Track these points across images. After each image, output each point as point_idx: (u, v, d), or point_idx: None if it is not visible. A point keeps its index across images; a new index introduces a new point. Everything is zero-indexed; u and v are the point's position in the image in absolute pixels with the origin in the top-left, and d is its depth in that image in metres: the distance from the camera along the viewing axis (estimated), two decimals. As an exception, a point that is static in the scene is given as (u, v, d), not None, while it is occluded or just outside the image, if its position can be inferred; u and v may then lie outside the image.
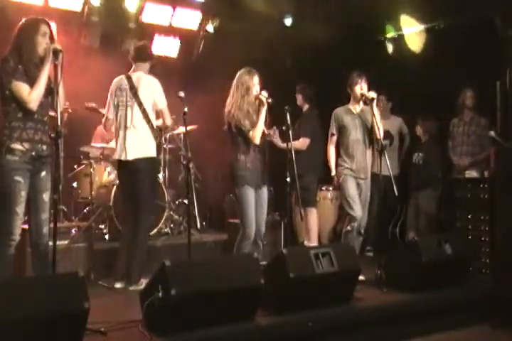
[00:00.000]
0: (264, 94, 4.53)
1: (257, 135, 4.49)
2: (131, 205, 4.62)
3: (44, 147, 3.70)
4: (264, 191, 4.63)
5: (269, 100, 4.48)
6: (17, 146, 3.59)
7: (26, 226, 3.81)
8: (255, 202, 4.51)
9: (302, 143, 5.88)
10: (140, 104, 4.57)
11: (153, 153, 4.64)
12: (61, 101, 3.72)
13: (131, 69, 4.72)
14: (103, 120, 4.74)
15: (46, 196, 3.71)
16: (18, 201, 3.58)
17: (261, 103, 4.51)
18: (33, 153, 3.64)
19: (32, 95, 3.59)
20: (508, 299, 4.32)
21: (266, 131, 4.68)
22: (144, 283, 4.38)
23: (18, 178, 3.57)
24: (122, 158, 4.56)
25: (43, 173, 3.71)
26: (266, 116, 4.55)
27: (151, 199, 4.73)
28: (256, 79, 4.57)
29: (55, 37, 3.78)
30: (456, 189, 5.45)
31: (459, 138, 5.88)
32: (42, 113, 3.70)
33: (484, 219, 5.10)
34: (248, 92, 4.52)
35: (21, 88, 3.58)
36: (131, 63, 4.74)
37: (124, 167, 4.63)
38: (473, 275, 4.77)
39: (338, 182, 5.01)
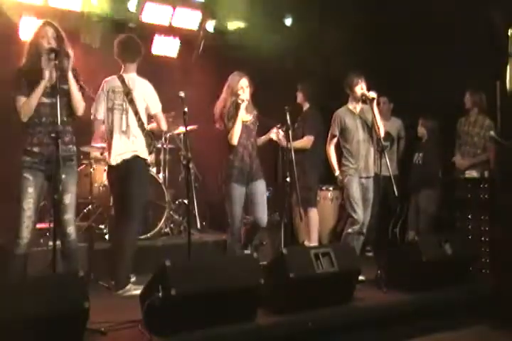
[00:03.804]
0: (243, 96, 4.62)
1: (233, 137, 4.63)
2: (121, 209, 4.57)
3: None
4: (258, 184, 4.73)
5: (243, 102, 4.59)
6: (28, 149, 3.74)
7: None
8: (249, 198, 4.71)
9: (307, 141, 5.87)
10: (136, 112, 4.51)
11: (145, 155, 4.59)
12: (76, 105, 3.83)
13: (121, 70, 4.62)
14: (91, 117, 4.59)
15: (67, 198, 3.78)
16: (24, 196, 3.69)
17: (237, 105, 4.63)
18: (45, 156, 3.71)
19: (22, 107, 3.72)
20: (508, 299, 4.33)
21: (271, 135, 4.84)
22: (132, 288, 4.37)
23: (27, 175, 3.72)
24: (114, 163, 4.50)
25: (63, 176, 3.72)
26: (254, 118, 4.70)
27: (142, 203, 4.66)
28: (243, 81, 4.67)
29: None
30: (456, 189, 5.45)
31: (463, 137, 5.90)
32: (54, 113, 3.65)
33: (484, 219, 5.10)
34: (233, 94, 4.67)
35: (18, 101, 3.72)
36: (120, 60, 4.61)
37: (115, 171, 4.55)
38: (473, 275, 4.76)
39: (343, 182, 5.01)
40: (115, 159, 4.52)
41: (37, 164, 3.74)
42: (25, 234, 3.68)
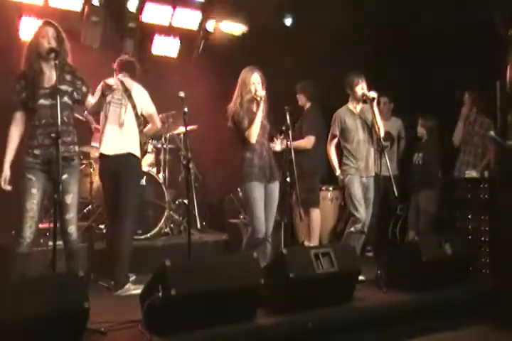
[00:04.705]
0: (260, 93, 4.45)
1: (252, 134, 4.44)
2: (115, 205, 4.57)
3: (60, 148, 3.66)
4: (275, 187, 4.55)
5: (262, 99, 4.42)
6: (30, 151, 3.76)
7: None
8: (264, 199, 4.48)
9: (307, 141, 5.88)
10: (134, 107, 4.61)
11: (138, 153, 4.64)
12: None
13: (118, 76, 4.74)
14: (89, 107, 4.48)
15: (68, 198, 3.78)
16: (28, 197, 3.69)
17: (256, 102, 4.46)
18: (47, 157, 3.72)
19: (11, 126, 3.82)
20: (508, 299, 4.33)
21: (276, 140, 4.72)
22: (131, 288, 4.39)
23: (29, 176, 3.73)
24: (105, 152, 4.52)
25: (65, 176, 3.73)
26: (266, 113, 4.56)
27: (135, 202, 4.68)
28: (255, 77, 4.50)
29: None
30: (456, 189, 5.45)
31: (463, 138, 5.90)
32: (54, 114, 3.65)
33: (484, 219, 5.10)
34: (247, 90, 4.48)
35: (13, 117, 3.82)
36: (116, 74, 4.76)
37: (108, 163, 4.57)
38: (473, 275, 4.76)
39: (344, 182, 5.01)
40: (107, 148, 4.54)
41: (39, 165, 3.75)
42: (28, 234, 3.68)
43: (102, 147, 4.59)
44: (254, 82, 4.49)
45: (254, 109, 4.48)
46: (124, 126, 4.57)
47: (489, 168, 5.27)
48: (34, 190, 3.71)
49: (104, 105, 4.56)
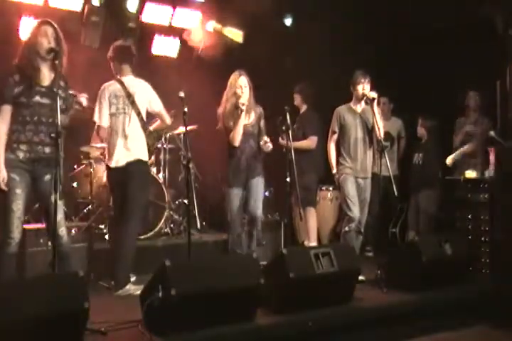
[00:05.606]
0: (242, 100, 4.58)
1: (236, 137, 4.63)
2: (121, 210, 4.56)
3: (46, 149, 3.70)
4: (256, 181, 4.71)
5: (243, 106, 4.57)
6: (15, 147, 3.65)
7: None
8: (247, 192, 4.69)
9: (310, 142, 5.89)
10: (138, 113, 4.54)
11: (145, 158, 4.61)
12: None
13: (118, 73, 4.64)
14: (95, 127, 4.58)
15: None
16: (13, 198, 3.62)
17: (240, 110, 4.59)
18: (32, 155, 3.67)
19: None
20: (508, 299, 4.33)
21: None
22: (132, 288, 4.37)
23: (13, 175, 3.63)
24: (115, 165, 4.51)
25: (47, 176, 3.70)
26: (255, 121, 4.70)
27: (142, 204, 4.67)
28: (241, 80, 4.61)
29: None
30: (456, 189, 5.45)
31: (463, 138, 5.90)
32: (47, 114, 3.68)
33: (484, 219, 5.10)
34: (232, 93, 4.63)
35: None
36: (115, 64, 4.66)
37: (116, 173, 4.55)
38: (473, 275, 4.77)
39: (338, 181, 5.02)
40: (116, 162, 4.52)
41: (23, 163, 3.67)
42: (16, 234, 3.63)
43: (109, 161, 4.56)
44: (241, 85, 4.61)
45: (239, 112, 4.61)
46: (129, 137, 4.51)
47: (489, 168, 5.27)
48: (18, 191, 3.64)
49: (110, 117, 4.52)
